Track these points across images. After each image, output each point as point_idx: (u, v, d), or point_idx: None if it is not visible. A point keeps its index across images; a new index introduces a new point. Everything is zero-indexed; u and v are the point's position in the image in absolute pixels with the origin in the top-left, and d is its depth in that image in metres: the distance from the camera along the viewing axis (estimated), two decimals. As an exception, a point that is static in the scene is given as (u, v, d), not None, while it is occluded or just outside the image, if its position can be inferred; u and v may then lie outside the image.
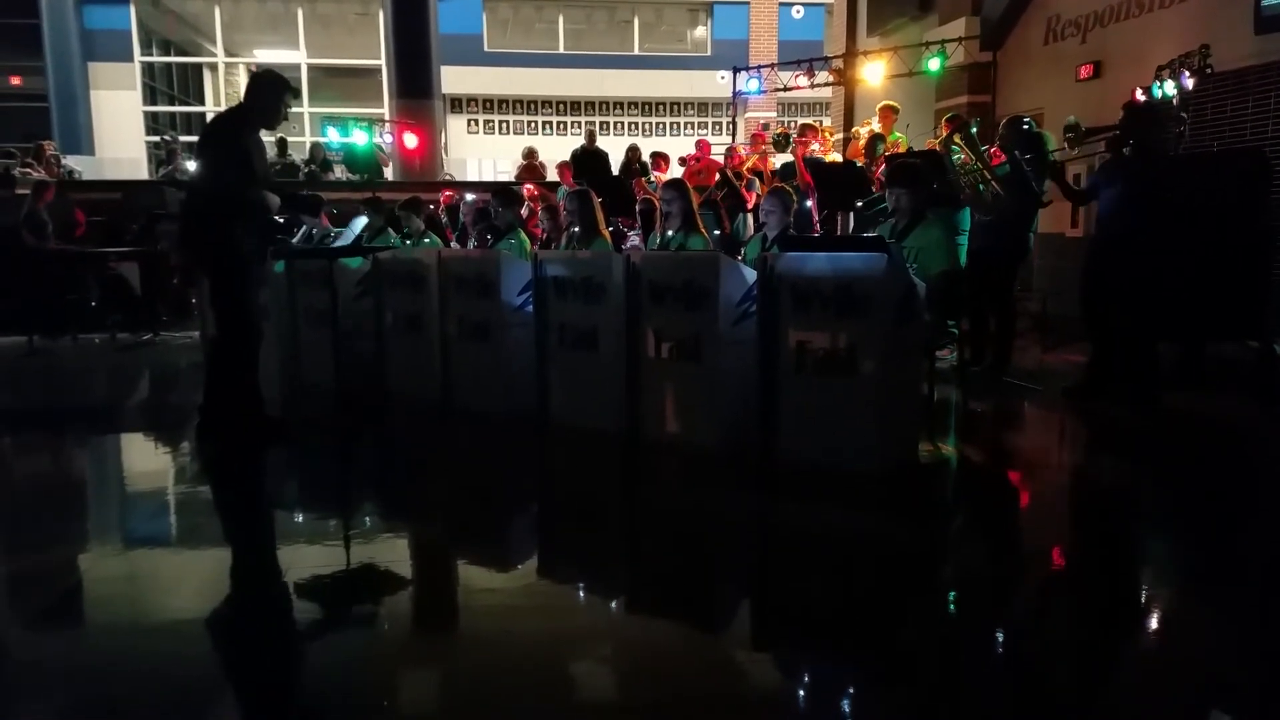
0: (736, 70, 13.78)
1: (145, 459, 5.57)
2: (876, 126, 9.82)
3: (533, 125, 23.37)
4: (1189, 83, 7.12)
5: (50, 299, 9.86)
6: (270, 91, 5.09)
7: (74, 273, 10.20)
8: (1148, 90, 7.45)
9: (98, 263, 10.38)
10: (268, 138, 5.99)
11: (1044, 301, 9.28)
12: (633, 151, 12.65)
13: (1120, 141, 5.76)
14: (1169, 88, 7.18)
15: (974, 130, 6.61)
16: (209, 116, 22.55)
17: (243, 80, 22.99)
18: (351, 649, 2.87)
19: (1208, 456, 5.13)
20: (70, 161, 14.44)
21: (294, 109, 5.26)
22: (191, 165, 12.72)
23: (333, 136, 13.52)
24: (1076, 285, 6.08)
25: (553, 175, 12.81)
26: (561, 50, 23.27)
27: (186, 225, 5.37)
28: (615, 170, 12.51)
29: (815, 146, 10.14)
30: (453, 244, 8.59)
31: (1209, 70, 7.24)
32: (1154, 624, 3.15)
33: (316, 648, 2.95)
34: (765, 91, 14.18)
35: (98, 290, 10.29)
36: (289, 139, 16.17)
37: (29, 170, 12.41)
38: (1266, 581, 3.44)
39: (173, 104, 22.91)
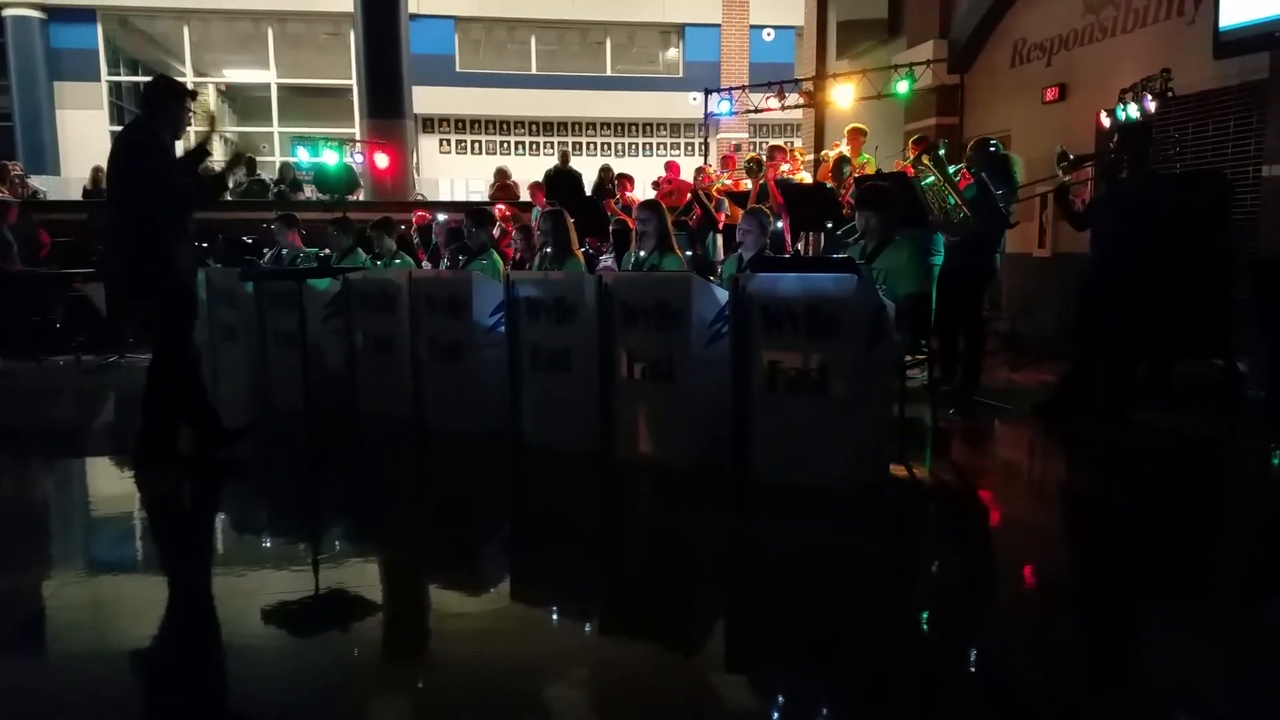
0: (708, 92, 13.87)
1: (111, 482, 5.48)
2: (845, 149, 9.91)
3: (505, 145, 23.39)
4: (1151, 105, 7.24)
5: (15, 320, 9.71)
6: (172, 99, 4.96)
7: (39, 294, 10.07)
8: (1112, 113, 7.57)
9: (62, 284, 10.25)
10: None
11: (1013, 321, 9.39)
12: (605, 172, 12.69)
13: (1116, 164, 5.85)
14: (1132, 110, 7.30)
15: (942, 152, 6.69)
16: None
17: (212, 100, 22.87)
18: (322, 674, 2.83)
19: (1178, 472, 5.19)
20: (35, 181, 14.26)
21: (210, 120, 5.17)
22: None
23: (302, 156, 13.48)
24: (1068, 305, 6.09)
25: (525, 196, 12.81)
26: (534, 71, 23.33)
27: (120, 249, 5.02)
28: (588, 191, 12.53)
29: (785, 168, 10.22)
30: (424, 264, 8.56)
31: (1170, 93, 7.37)
32: (1125, 636, 3.17)
33: (286, 673, 2.90)
34: (737, 113, 14.31)
35: (63, 311, 10.16)
36: (258, 158, 16.08)
37: (-8, 190, 12.24)
38: (1237, 593, 3.48)
39: (140, 123, 22.72)
